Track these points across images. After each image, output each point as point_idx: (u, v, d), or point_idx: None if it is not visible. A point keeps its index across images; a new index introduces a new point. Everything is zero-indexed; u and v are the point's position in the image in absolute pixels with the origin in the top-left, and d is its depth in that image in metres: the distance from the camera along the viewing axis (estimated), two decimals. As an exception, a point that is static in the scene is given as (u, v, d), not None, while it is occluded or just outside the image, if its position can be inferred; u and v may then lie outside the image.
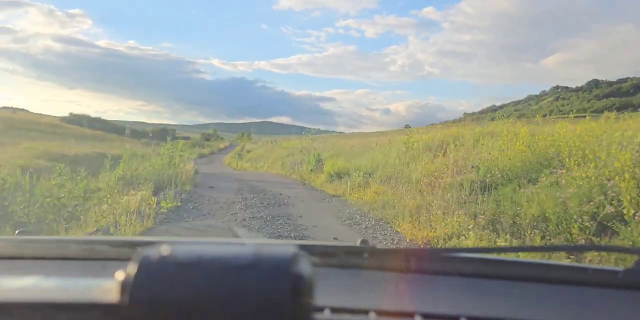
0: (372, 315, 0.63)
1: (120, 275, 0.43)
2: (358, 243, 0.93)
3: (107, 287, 0.45)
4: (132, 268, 0.42)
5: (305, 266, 0.43)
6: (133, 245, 0.92)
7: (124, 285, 0.42)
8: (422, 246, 4.87)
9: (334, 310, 0.63)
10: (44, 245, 1.01)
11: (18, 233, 1.17)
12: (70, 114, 55.61)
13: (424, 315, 0.64)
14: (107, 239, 1.24)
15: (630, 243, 3.71)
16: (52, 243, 1.05)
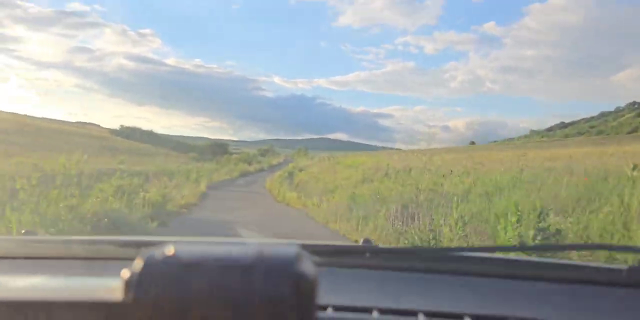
0: (375, 313, 0.64)
1: (125, 275, 0.43)
2: (361, 242, 0.94)
3: (112, 287, 0.45)
4: (136, 268, 0.42)
5: (308, 265, 0.43)
6: (137, 245, 0.93)
7: (128, 285, 0.42)
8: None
9: (337, 308, 0.64)
10: (50, 245, 1.04)
11: (24, 233, 1.17)
12: (121, 126, 55.16)
13: (427, 314, 0.65)
14: (112, 239, 1.20)
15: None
16: (58, 243, 1.07)
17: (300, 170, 26.82)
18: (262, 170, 37.31)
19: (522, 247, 2.32)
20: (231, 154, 45.31)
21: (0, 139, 21.44)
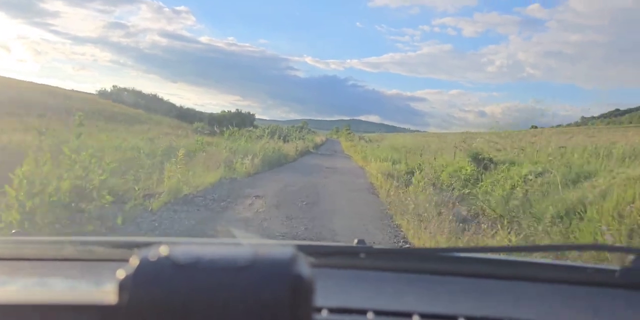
0: (370, 315, 0.63)
1: (119, 276, 0.42)
2: (355, 243, 0.92)
3: (105, 288, 0.45)
4: (130, 269, 0.42)
5: (304, 267, 0.42)
6: (131, 246, 0.91)
7: (122, 286, 0.41)
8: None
9: (332, 310, 0.63)
10: (40, 246, 1.00)
11: (13, 234, 1.15)
12: (114, 87, 42.95)
13: (422, 315, 0.64)
14: (105, 240, 1.18)
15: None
16: (49, 244, 1.04)
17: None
18: (306, 152, 23.66)
19: (516, 248, 2.46)
20: (256, 127, 31.70)
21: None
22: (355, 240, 0.94)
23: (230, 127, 21.54)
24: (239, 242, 0.87)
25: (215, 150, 13.36)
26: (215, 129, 27.32)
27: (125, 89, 43.36)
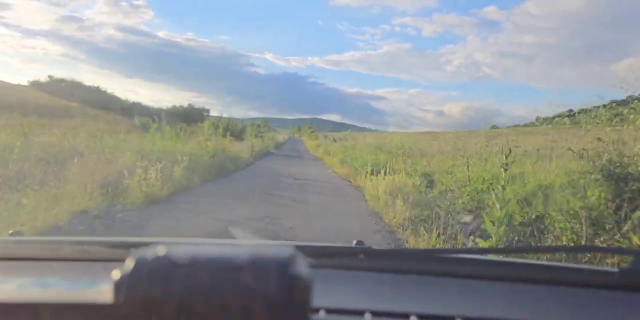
0: (367, 315, 0.63)
1: (115, 276, 0.42)
2: (354, 244, 0.93)
3: (102, 288, 0.45)
4: (127, 269, 0.42)
5: (302, 267, 0.42)
6: (128, 246, 0.91)
7: (119, 286, 0.42)
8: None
9: (330, 311, 0.63)
10: (37, 246, 1.00)
11: (11, 234, 1.12)
12: (50, 77, 38.07)
13: (420, 316, 0.64)
14: (101, 240, 1.13)
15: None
16: (45, 244, 1.03)
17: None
18: (270, 154, 20.22)
19: (514, 249, 2.26)
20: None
21: None
22: (354, 241, 0.95)
23: (180, 123, 17.62)
24: (237, 243, 0.87)
25: (113, 153, 7.77)
26: (159, 124, 23.42)
27: (62, 80, 38.56)
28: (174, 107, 38.81)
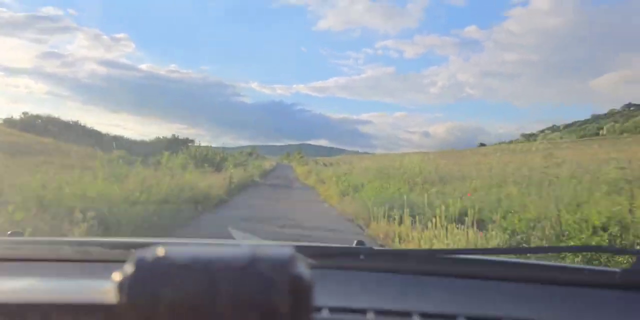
0: (370, 315, 0.64)
1: (116, 277, 0.42)
2: (354, 244, 0.94)
3: (103, 289, 0.45)
4: (128, 269, 0.42)
5: (302, 268, 0.42)
6: (128, 246, 0.92)
7: (120, 287, 0.41)
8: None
9: (333, 310, 0.64)
10: (37, 247, 1.01)
11: (10, 234, 1.12)
12: (24, 114, 36.27)
13: (422, 315, 0.65)
14: (102, 240, 1.15)
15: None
16: (45, 244, 1.04)
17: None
18: (254, 185, 18.32)
19: (516, 250, 2.30)
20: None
21: None
22: (355, 242, 0.95)
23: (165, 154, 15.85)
24: (237, 243, 0.87)
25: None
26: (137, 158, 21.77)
27: (38, 116, 37.13)
28: (157, 138, 37.26)
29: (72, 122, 37.34)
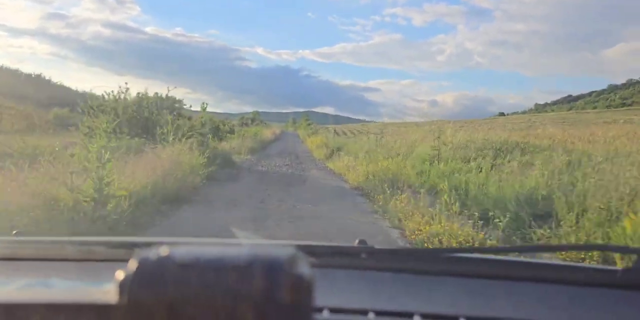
0: (371, 315, 0.63)
1: (119, 276, 0.43)
2: (356, 243, 0.91)
3: (106, 289, 0.45)
4: (130, 269, 0.42)
5: (304, 267, 0.43)
6: (130, 246, 0.90)
7: (122, 286, 0.42)
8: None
9: (333, 310, 0.63)
10: (41, 246, 0.99)
11: (15, 234, 1.11)
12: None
13: (423, 315, 0.64)
14: (105, 240, 1.14)
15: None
16: (49, 244, 1.02)
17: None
18: (244, 165, 12.17)
19: (517, 248, 2.30)
20: (182, 118, 19.23)
21: None
22: (357, 241, 0.93)
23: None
24: (239, 243, 0.87)
25: None
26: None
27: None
28: (139, 95, 30.75)
29: (34, 75, 31.10)
